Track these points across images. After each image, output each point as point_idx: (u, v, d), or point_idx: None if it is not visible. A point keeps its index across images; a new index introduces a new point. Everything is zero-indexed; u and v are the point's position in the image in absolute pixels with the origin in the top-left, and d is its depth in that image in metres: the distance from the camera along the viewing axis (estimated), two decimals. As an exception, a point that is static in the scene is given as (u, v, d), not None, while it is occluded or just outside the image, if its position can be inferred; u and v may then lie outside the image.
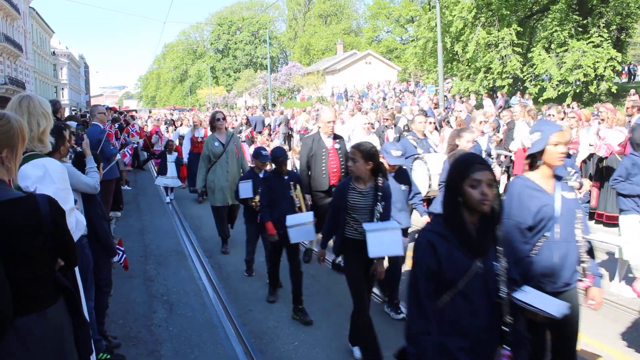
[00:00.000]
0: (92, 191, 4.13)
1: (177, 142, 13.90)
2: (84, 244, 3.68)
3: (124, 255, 4.99)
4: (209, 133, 11.40)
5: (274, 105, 40.76)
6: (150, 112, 54.72)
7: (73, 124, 9.48)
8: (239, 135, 16.71)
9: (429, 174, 6.68)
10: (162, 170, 11.97)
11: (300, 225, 5.09)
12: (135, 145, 12.38)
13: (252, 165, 6.70)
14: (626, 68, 30.48)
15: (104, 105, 10.85)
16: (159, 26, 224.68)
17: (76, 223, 3.23)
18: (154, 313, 5.55)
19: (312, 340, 4.81)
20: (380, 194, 4.16)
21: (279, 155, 5.62)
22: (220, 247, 8.03)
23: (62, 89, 71.29)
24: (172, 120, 27.32)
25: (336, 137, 6.86)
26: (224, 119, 8.19)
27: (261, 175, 6.22)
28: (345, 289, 5.26)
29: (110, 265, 4.84)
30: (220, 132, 7.92)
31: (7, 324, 2.08)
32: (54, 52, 69.86)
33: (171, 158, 12.00)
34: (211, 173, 7.73)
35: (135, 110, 48.88)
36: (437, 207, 5.76)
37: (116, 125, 11.09)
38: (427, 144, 7.43)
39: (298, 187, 5.67)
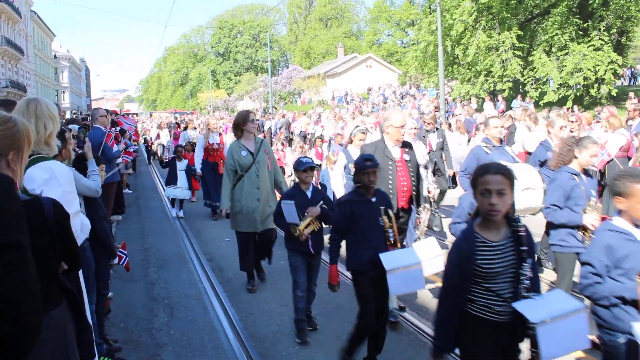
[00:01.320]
0: (94, 194, 4.14)
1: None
2: (85, 247, 3.68)
3: (127, 259, 5.00)
4: (227, 139, 10.71)
5: (275, 108, 40.79)
6: (150, 115, 54.81)
7: (75, 127, 9.52)
8: None
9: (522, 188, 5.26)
10: (171, 180, 10.69)
11: (405, 269, 3.80)
12: (136, 148, 11.76)
13: (296, 181, 5.23)
14: (628, 71, 30.55)
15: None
16: (160, 29, 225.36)
17: (81, 226, 3.24)
18: (155, 317, 5.55)
19: (313, 344, 4.80)
20: (523, 248, 2.73)
21: (365, 165, 4.07)
22: (220, 250, 8.03)
23: (63, 92, 71.36)
24: (177, 123, 25.20)
25: (405, 144, 5.34)
26: (255, 121, 6.44)
27: (309, 194, 4.93)
28: (344, 292, 5.28)
29: (110, 268, 4.84)
30: (248, 138, 6.24)
31: (41, 324, 2.08)
32: (55, 55, 69.95)
33: (181, 166, 10.74)
34: (237, 190, 6.13)
35: (136, 114, 48.88)
36: None
37: (117, 128, 11.11)
38: (505, 152, 6.08)
39: (390, 212, 4.16)
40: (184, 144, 13.79)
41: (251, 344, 4.80)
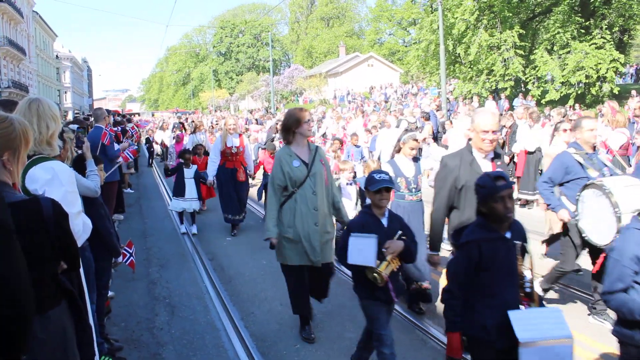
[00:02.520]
0: (93, 194, 4.14)
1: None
2: (84, 247, 3.68)
3: (132, 258, 5.00)
4: (247, 142, 9.96)
5: (277, 108, 40.78)
6: (152, 115, 54.87)
7: (74, 126, 9.52)
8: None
9: (615, 213, 4.31)
10: (179, 190, 9.15)
11: (548, 343, 2.72)
12: (135, 147, 10.82)
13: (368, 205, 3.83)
14: (633, 69, 30.52)
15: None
16: (162, 29, 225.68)
17: (83, 226, 3.23)
18: (156, 316, 5.55)
19: (315, 343, 4.80)
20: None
21: (497, 187, 2.95)
22: (222, 249, 8.03)
23: (65, 92, 71.52)
24: (181, 123, 22.76)
25: (497, 155, 4.24)
26: (311, 122, 4.99)
27: (385, 222, 3.71)
28: (346, 290, 5.27)
29: (115, 266, 4.85)
30: (301, 144, 4.80)
31: (31, 324, 2.08)
32: (57, 55, 70.10)
33: (189, 173, 9.20)
34: (286, 212, 4.72)
35: (138, 114, 48.92)
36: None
37: (118, 128, 11.11)
38: (599, 161, 5.13)
39: (528, 249, 3.16)
40: (192, 147, 12.33)
41: (252, 342, 4.81)
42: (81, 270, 2.98)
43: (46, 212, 2.26)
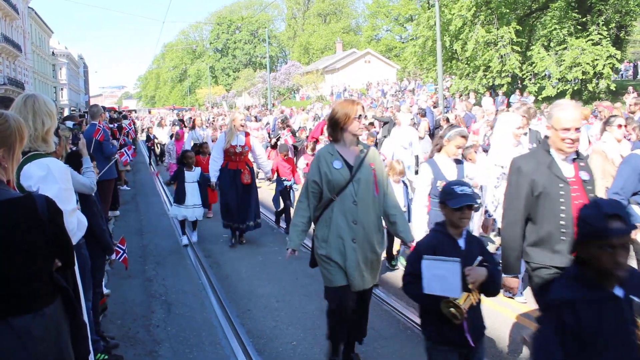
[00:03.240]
0: (89, 191, 4.12)
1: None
2: (81, 244, 3.67)
3: (124, 254, 4.99)
4: (256, 142, 8.46)
5: (273, 104, 40.75)
6: (149, 111, 54.78)
7: (69, 123, 9.50)
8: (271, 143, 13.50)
9: None
10: (179, 196, 8.14)
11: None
12: (133, 147, 10.41)
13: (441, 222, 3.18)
14: (630, 66, 30.56)
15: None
16: (158, 26, 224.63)
17: (78, 224, 3.22)
18: (152, 313, 5.54)
19: (311, 340, 4.80)
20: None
21: (615, 231, 2.08)
22: (218, 246, 8.02)
23: (62, 89, 71.25)
24: (181, 120, 21.82)
25: (578, 155, 3.58)
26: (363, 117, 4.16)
27: (462, 244, 3.04)
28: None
29: (109, 264, 4.84)
30: (349, 143, 3.98)
31: None
32: (53, 52, 69.82)
33: (192, 176, 8.19)
34: (321, 224, 3.97)
35: (135, 110, 48.83)
36: None
37: (114, 125, 11.09)
38: None
39: None
40: (191, 145, 11.71)
41: (248, 340, 4.80)
42: (75, 267, 2.98)
43: (41, 209, 2.25)
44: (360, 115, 3.90)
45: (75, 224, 3.17)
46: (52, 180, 2.98)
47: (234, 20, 78.08)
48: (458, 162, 4.97)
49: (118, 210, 10.46)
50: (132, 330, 5.12)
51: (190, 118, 18.08)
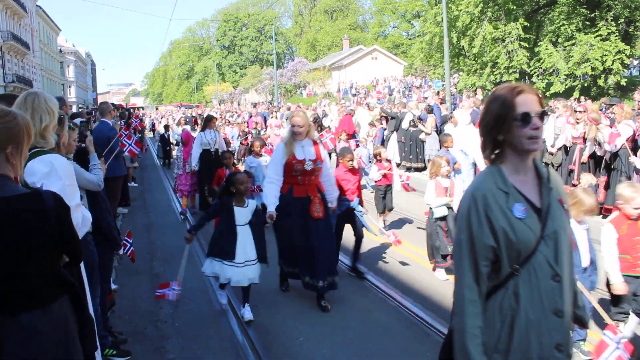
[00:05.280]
0: (96, 188, 4.14)
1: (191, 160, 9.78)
2: (88, 240, 3.69)
3: (132, 248, 5.02)
4: (326, 154, 5.93)
5: (279, 101, 40.75)
6: (157, 108, 54.95)
7: (77, 120, 9.52)
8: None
9: None
10: (224, 247, 5.17)
11: None
12: (138, 137, 9.50)
13: None
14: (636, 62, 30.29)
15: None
16: (165, 23, 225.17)
17: (82, 219, 3.24)
18: (160, 309, 5.57)
19: (318, 335, 4.80)
20: None
21: None
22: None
23: (69, 86, 71.61)
24: (195, 117, 18.06)
25: None
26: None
27: None
28: (349, 283, 5.27)
29: (113, 261, 4.87)
30: (521, 164, 2.13)
31: None
32: (60, 49, 70.18)
33: (244, 215, 5.22)
34: (494, 318, 2.07)
35: (142, 107, 48.98)
36: None
37: (122, 122, 11.12)
38: None
39: None
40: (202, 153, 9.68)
41: (256, 335, 4.81)
42: (81, 263, 3.00)
43: (48, 205, 2.26)
44: (534, 114, 2.05)
45: (80, 219, 3.18)
46: (56, 176, 2.99)
47: (241, 17, 78.10)
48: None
49: (127, 209, 10.49)
50: (139, 325, 5.15)
51: (200, 115, 17.13)
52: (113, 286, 5.57)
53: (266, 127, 19.96)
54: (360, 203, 6.42)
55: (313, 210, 5.42)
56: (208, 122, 10.16)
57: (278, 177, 5.45)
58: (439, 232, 6.24)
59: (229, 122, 20.35)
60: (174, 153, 10.94)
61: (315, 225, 5.42)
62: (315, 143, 5.61)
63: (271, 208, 5.33)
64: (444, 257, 6.18)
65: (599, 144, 8.67)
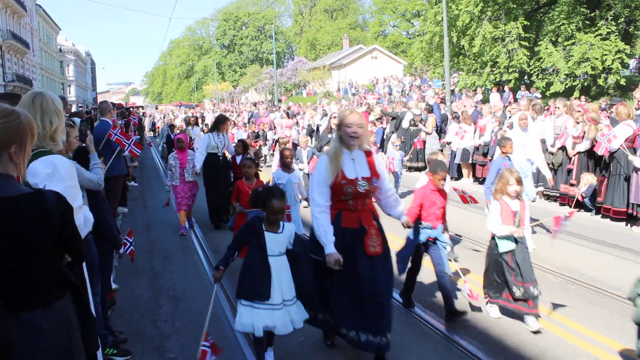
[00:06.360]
0: (96, 187, 4.15)
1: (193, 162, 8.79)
2: (89, 239, 3.70)
3: (131, 247, 5.03)
4: (382, 166, 4.42)
5: (280, 100, 40.74)
6: (156, 107, 54.92)
7: (77, 120, 9.52)
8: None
9: None
10: (256, 284, 4.04)
11: None
12: (137, 138, 9.14)
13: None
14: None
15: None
16: (165, 22, 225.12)
17: (84, 220, 3.24)
18: (160, 308, 5.59)
19: (319, 336, 4.80)
20: None
21: None
22: (226, 242, 8.04)
23: (69, 85, 71.57)
24: (196, 117, 19.02)
25: None
26: None
27: None
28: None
29: (113, 260, 4.87)
30: None
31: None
32: (60, 49, 70.14)
33: (279, 242, 4.09)
34: None
35: (142, 107, 48.95)
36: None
37: (122, 121, 11.11)
38: None
39: None
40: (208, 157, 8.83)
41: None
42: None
43: (51, 204, 2.27)
44: None
45: (82, 220, 3.18)
46: (59, 177, 2.99)
47: (241, 17, 78.02)
48: None
49: (126, 208, 10.50)
50: (140, 324, 5.16)
51: (202, 114, 16.60)
52: (113, 285, 5.58)
53: (275, 128, 19.58)
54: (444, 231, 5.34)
55: (368, 245, 4.05)
56: (220, 123, 9.10)
57: (328, 202, 4.08)
58: (504, 268, 4.95)
59: (235, 123, 20.06)
60: (170, 161, 8.89)
61: (370, 264, 4.06)
62: (368, 153, 4.22)
63: (332, 248, 3.95)
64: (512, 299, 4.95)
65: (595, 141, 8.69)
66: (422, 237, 5.12)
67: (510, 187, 4.96)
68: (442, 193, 5.25)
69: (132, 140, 8.01)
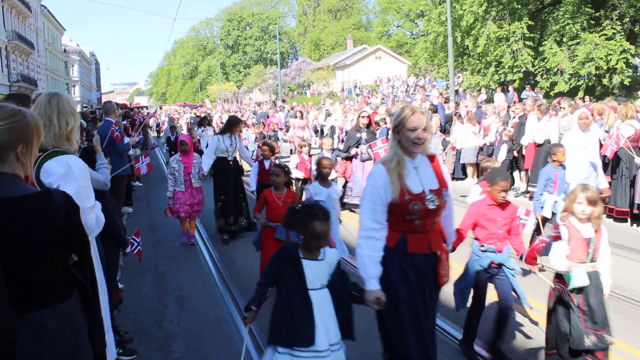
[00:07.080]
0: (103, 187, 4.16)
1: (202, 166, 8.01)
2: (95, 239, 3.71)
3: (139, 247, 5.04)
4: (447, 173, 3.43)
5: (283, 100, 40.75)
6: (160, 108, 55.03)
7: (83, 122, 9.55)
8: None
9: None
10: (295, 326, 3.19)
11: None
12: (141, 138, 8.38)
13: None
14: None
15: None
16: (169, 22, 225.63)
17: (96, 220, 3.25)
18: (165, 308, 5.60)
19: None
20: None
21: None
22: (231, 243, 8.06)
23: (74, 86, 71.79)
24: (200, 118, 18.11)
25: None
26: None
27: None
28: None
29: (119, 260, 4.88)
30: None
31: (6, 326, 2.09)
32: (65, 49, 70.34)
33: (320, 272, 3.22)
34: None
35: (146, 107, 49.03)
36: None
37: (126, 121, 11.13)
38: None
39: None
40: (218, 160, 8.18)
41: (261, 335, 4.81)
42: (98, 262, 3.01)
43: (58, 204, 2.26)
44: None
45: (94, 220, 3.19)
46: (73, 178, 3.00)
47: (245, 17, 78.12)
48: None
49: (131, 208, 10.52)
50: (145, 324, 5.18)
51: (208, 114, 16.12)
52: (120, 285, 5.59)
53: (286, 128, 19.20)
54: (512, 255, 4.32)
55: (442, 275, 3.26)
56: (232, 125, 8.33)
57: (382, 225, 3.18)
58: (573, 310, 3.64)
59: (246, 123, 19.93)
60: (173, 164, 8.02)
61: (436, 298, 3.38)
62: (432, 158, 3.33)
63: (374, 285, 3.16)
64: (575, 352, 3.64)
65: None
66: (484, 263, 4.20)
67: (577, 207, 3.65)
68: (503, 207, 4.27)
69: (146, 160, 7.89)
